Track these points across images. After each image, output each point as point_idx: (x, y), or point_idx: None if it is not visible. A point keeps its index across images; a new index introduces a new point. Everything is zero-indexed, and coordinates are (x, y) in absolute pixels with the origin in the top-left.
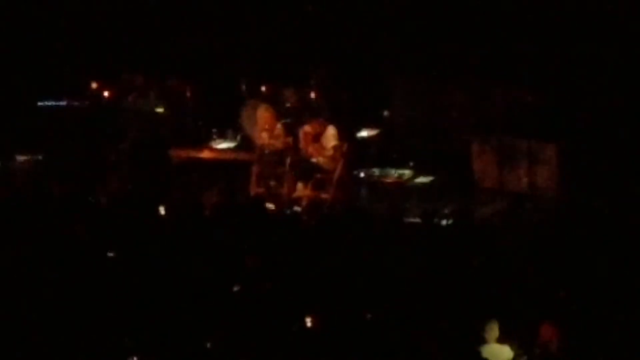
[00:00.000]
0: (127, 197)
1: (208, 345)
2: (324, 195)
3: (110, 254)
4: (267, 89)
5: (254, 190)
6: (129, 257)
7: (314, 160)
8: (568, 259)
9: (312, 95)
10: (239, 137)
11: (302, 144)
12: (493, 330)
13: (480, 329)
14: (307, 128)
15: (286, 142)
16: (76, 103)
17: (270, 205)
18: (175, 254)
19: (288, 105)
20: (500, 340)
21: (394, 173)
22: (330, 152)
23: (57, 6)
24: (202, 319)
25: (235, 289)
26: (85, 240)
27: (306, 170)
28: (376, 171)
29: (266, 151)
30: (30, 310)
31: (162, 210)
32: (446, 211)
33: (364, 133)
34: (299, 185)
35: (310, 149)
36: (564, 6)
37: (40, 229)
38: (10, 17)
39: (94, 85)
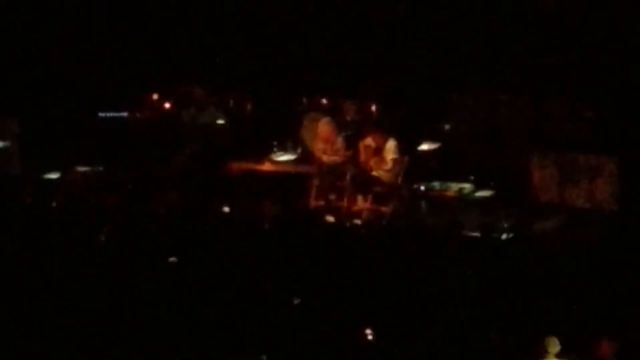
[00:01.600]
0: (184, 209)
1: (264, 357)
2: (383, 209)
3: (170, 261)
4: (327, 102)
5: (314, 203)
6: (185, 268)
7: (374, 173)
8: (627, 275)
9: (373, 108)
10: (299, 150)
11: (362, 157)
12: (552, 345)
13: (540, 344)
14: (367, 141)
15: (346, 155)
16: (137, 115)
17: (330, 218)
18: (233, 265)
19: (348, 118)
20: (559, 355)
21: (454, 187)
22: (390, 166)
23: (119, 18)
24: (260, 331)
25: (295, 301)
26: (140, 251)
27: (366, 184)
28: (436, 185)
29: (326, 164)
30: (84, 318)
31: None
32: (505, 225)
33: (424, 146)
34: (359, 198)
35: (371, 163)
36: (623, 22)
37: (97, 237)
38: (72, 29)
39: (154, 97)
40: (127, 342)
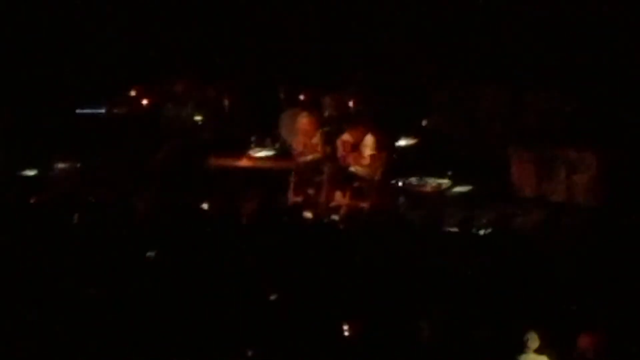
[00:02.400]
0: (164, 204)
1: (246, 352)
2: (362, 204)
3: (149, 256)
4: (305, 97)
5: (292, 198)
6: (164, 263)
7: (352, 168)
8: (607, 269)
9: (351, 103)
10: (277, 145)
11: (340, 153)
12: (532, 340)
13: (519, 339)
14: (345, 136)
15: (324, 150)
16: (115, 110)
17: (308, 214)
18: (212, 260)
19: (327, 113)
20: (539, 350)
21: (432, 182)
22: (368, 161)
23: (97, 13)
24: (238, 326)
25: (272, 297)
26: (121, 247)
27: (344, 179)
28: (414, 180)
29: (304, 159)
30: (64, 315)
31: (207, 215)
32: (484, 220)
33: (402, 142)
34: (337, 193)
35: (349, 158)
36: (603, 14)
37: (77, 235)
38: (49, 23)
39: (133, 92)
40: (107, 337)
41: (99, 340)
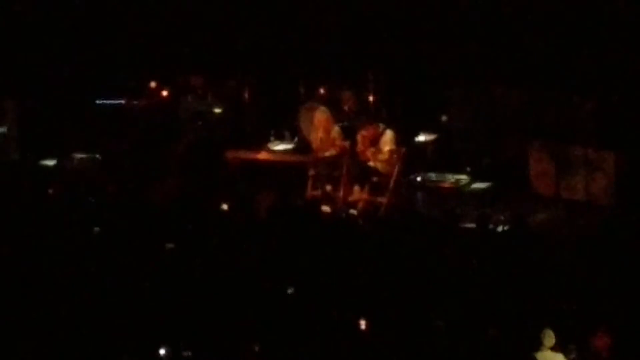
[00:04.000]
0: (182, 197)
1: (257, 346)
2: (380, 199)
3: (167, 247)
4: (325, 92)
5: (310, 193)
6: (182, 255)
7: (370, 164)
8: (624, 268)
9: (370, 98)
10: (296, 140)
11: (359, 148)
12: (548, 338)
13: (536, 336)
14: (364, 132)
15: (343, 145)
16: (135, 102)
17: (326, 208)
18: (229, 254)
19: (346, 108)
20: (555, 348)
21: (450, 178)
22: (386, 156)
23: (117, 6)
24: (254, 320)
25: (289, 291)
26: (139, 237)
27: (363, 174)
28: (433, 176)
29: (323, 154)
30: (81, 306)
31: (224, 208)
32: (502, 217)
33: (421, 137)
34: (356, 188)
35: (367, 153)
36: (622, 14)
37: (93, 226)
38: (70, 16)
39: (152, 84)
40: (124, 331)
41: (113, 331)
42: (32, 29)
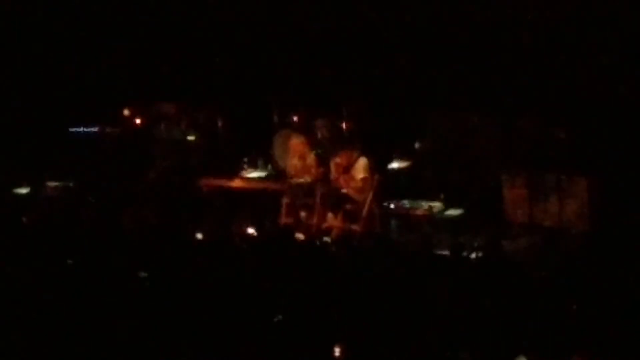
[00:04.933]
0: (155, 225)
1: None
2: (353, 227)
3: (140, 276)
4: (298, 119)
5: (284, 220)
6: (155, 284)
7: (344, 191)
8: (598, 294)
9: (344, 126)
10: (269, 167)
11: (333, 175)
12: None
13: None
14: (338, 159)
15: (317, 172)
16: (108, 130)
17: (300, 236)
18: (203, 282)
19: (319, 135)
20: None
21: (424, 205)
22: (360, 184)
23: (89, 32)
24: (230, 348)
25: (264, 318)
26: (113, 266)
27: (336, 201)
28: (406, 203)
29: (297, 181)
30: (58, 334)
31: (199, 236)
32: (476, 244)
33: (394, 164)
34: (329, 215)
35: (341, 180)
36: (593, 42)
37: (69, 254)
38: (42, 43)
39: (125, 112)
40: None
41: None
42: (5, 56)
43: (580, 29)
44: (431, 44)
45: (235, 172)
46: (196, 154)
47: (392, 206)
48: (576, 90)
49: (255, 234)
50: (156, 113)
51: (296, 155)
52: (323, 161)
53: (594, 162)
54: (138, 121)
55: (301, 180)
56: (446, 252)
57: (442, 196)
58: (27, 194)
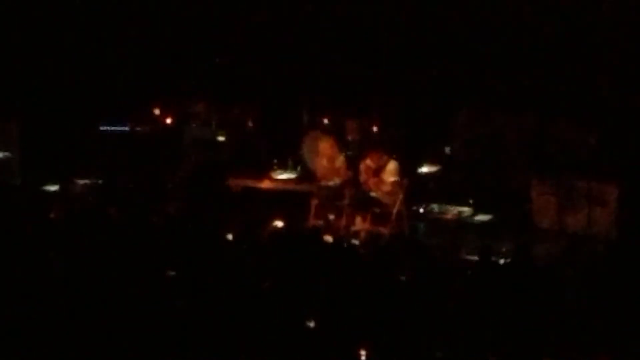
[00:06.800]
0: (184, 223)
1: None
2: (382, 230)
3: (169, 274)
4: (329, 121)
5: (312, 222)
6: (183, 282)
7: (373, 194)
8: (626, 302)
9: (374, 128)
10: (299, 168)
11: (362, 178)
12: None
13: None
14: (368, 162)
15: (347, 175)
16: (138, 129)
17: (328, 238)
18: (230, 282)
19: (349, 137)
20: None
21: (453, 210)
22: (389, 187)
23: (122, 33)
24: (256, 348)
25: (291, 319)
26: (141, 262)
27: (365, 204)
28: (435, 207)
29: (326, 183)
30: (83, 333)
31: (229, 237)
32: (504, 249)
33: (424, 169)
34: (358, 218)
35: (370, 183)
36: (629, 49)
37: (98, 251)
38: (75, 43)
39: (156, 111)
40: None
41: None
42: (37, 54)
43: (616, 34)
44: (463, 47)
45: (265, 173)
46: (225, 154)
47: (421, 210)
48: (609, 95)
49: (284, 235)
50: (186, 112)
51: (325, 157)
52: (353, 164)
53: (624, 169)
54: (168, 120)
55: (330, 182)
56: (475, 257)
57: (471, 201)
58: (56, 191)
